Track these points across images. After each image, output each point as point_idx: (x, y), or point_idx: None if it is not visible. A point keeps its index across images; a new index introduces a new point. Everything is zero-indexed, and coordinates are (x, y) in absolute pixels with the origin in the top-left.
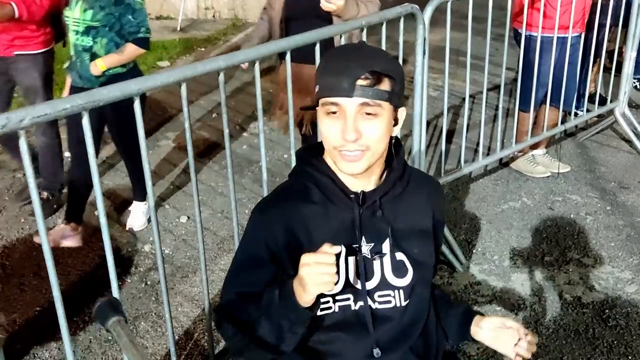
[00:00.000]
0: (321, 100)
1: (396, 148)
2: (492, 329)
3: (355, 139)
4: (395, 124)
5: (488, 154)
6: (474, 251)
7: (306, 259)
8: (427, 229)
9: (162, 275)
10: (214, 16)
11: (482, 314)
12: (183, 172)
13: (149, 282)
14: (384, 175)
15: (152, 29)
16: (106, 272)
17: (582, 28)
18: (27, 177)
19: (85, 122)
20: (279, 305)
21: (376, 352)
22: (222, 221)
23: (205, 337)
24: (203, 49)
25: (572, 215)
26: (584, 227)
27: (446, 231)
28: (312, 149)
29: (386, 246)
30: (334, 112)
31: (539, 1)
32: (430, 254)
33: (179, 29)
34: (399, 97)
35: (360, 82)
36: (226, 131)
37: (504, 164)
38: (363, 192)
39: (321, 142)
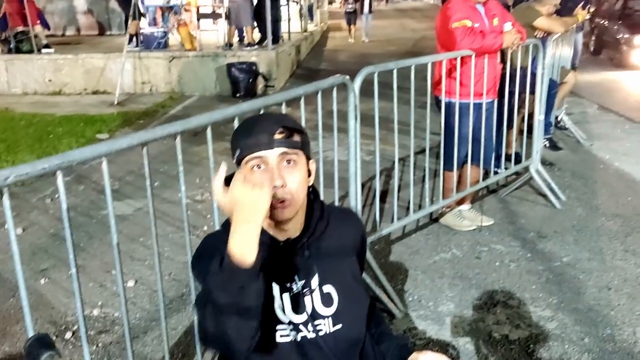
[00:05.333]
0: (245, 159)
1: (314, 194)
2: None
3: (282, 185)
4: (310, 174)
5: (419, 210)
6: (410, 299)
7: (236, 178)
8: (351, 255)
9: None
10: (150, 90)
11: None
12: (127, 239)
13: (100, 344)
14: (306, 221)
15: (90, 103)
16: None
17: (494, 95)
18: (9, 230)
19: (60, 182)
20: (222, 271)
21: None
22: (170, 283)
23: None
24: (142, 122)
25: (497, 263)
26: (508, 272)
27: (384, 281)
28: None
29: (315, 281)
30: (259, 166)
31: (456, 71)
32: (356, 274)
33: (116, 102)
34: (308, 148)
35: (277, 136)
36: (182, 188)
37: (434, 219)
38: (290, 238)
39: None
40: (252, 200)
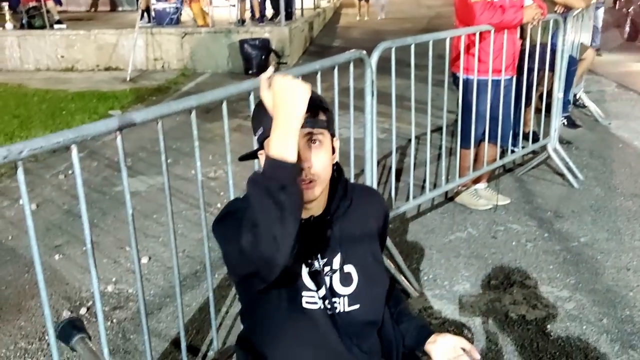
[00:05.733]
0: (268, 140)
1: (338, 172)
2: (444, 352)
3: (307, 167)
4: (334, 152)
5: (434, 189)
6: (425, 278)
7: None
8: (373, 235)
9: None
10: (163, 67)
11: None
12: (140, 215)
13: (114, 320)
14: (329, 199)
15: (102, 80)
16: None
17: (513, 71)
18: (24, 205)
19: (75, 156)
20: (263, 174)
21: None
22: (184, 260)
23: None
24: (154, 98)
25: (513, 243)
26: (525, 252)
27: (399, 260)
28: None
29: (337, 261)
30: None
31: (474, 47)
32: (377, 254)
33: (128, 79)
34: (333, 126)
35: None
36: (198, 163)
37: (449, 198)
38: (313, 216)
39: None
40: (292, 91)
